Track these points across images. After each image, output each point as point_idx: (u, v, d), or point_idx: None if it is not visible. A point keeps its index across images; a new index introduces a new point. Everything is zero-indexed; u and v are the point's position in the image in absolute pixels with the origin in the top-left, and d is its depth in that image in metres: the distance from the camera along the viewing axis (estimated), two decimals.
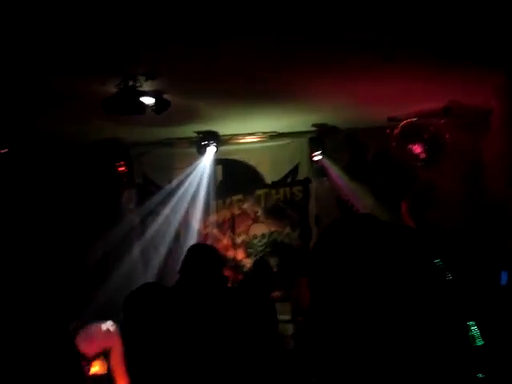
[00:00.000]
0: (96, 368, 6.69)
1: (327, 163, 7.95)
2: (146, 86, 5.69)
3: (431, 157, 6.91)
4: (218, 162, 8.34)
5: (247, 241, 8.20)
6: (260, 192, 8.33)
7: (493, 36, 5.02)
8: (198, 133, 7.92)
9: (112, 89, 5.64)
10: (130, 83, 5.54)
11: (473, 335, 5.70)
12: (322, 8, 4.44)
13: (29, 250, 7.48)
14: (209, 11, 4.38)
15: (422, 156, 6.91)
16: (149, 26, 4.59)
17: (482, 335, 5.55)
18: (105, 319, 5.67)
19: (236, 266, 8.06)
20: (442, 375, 3.06)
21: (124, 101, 5.48)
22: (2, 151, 7.74)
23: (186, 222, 8.40)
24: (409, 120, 7.00)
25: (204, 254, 4.03)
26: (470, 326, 5.68)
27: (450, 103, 6.74)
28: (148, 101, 5.73)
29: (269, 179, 8.31)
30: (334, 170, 7.92)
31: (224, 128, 7.85)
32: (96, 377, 6.56)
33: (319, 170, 8.07)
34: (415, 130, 6.97)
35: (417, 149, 6.93)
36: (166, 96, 6.01)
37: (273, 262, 8.08)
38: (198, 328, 3.65)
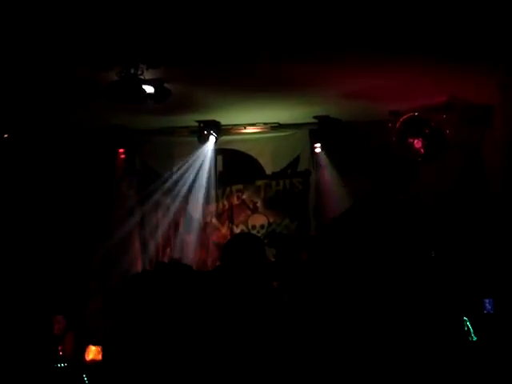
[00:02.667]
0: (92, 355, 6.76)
1: (325, 156, 7.95)
2: (148, 75, 5.69)
3: (431, 152, 6.90)
4: (219, 151, 8.33)
5: (246, 231, 8.21)
6: (260, 183, 8.33)
7: (495, 33, 5.02)
8: (199, 122, 7.91)
9: (113, 76, 5.65)
10: (132, 71, 5.54)
11: (467, 330, 5.74)
12: (327, 4, 4.45)
13: (25, 237, 7.52)
14: (210, 4, 4.38)
15: (422, 151, 6.90)
16: (151, 16, 4.59)
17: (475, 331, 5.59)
18: None
19: None
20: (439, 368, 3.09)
21: (125, 88, 5.48)
22: (4, 136, 7.76)
23: (185, 210, 8.41)
24: (410, 114, 6.98)
25: (252, 247, 3.85)
26: (465, 321, 5.73)
27: (452, 98, 6.74)
28: (149, 89, 5.72)
29: (269, 170, 8.31)
30: (332, 163, 7.93)
31: (225, 118, 7.84)
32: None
33: (319, 161, 8.06)
34: (416, 124, 6.96)
35: (417, 143, 6.92)
36: (167, 85, 6.01)
37: (270, 252, 8.10)
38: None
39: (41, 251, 7.61)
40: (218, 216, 8.37)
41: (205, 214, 8.37)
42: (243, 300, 3.57)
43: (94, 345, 6.64)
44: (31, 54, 5.34)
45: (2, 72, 5.77)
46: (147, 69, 5.57)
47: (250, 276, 3.63)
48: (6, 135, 7.76)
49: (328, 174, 7.99)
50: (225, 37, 5.08)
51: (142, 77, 5.59)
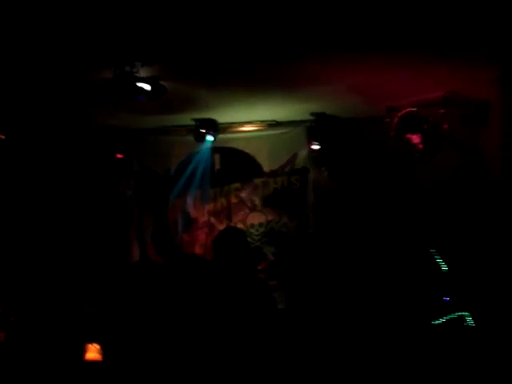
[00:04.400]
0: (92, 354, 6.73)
1: (324, 152, 7.93)
2: (143, 72, 5.66)
3: (429, 147, 6.88)
4: (216, 150, 8.31)
5: (244, 229, 8.18)
6: (257, 181, 8.31)
7: (491, 28, 5.00)
8: (196, 120, 7.88)
9: (108, 74, 5.62)
10: (127, 69, 5.51)
11: (468, 325, 5.72)
12: (323, 3, 4.44)
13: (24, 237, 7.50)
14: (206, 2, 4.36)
15: (420, 146, 6.88)
16: (146, 13, 4.56)
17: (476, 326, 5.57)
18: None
19: None
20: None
21: (119, 86, 5.45)
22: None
23: (183, 209, 8.39)
24: (408, 110, 6.96)
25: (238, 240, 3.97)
26: (465, 317, 5.71)
27: (449, 93, 6.71)
28: (144, 87, 5.70)
29: (266, 168, 8.29)
30: (329, 160, 7.91)
31: (222, 116, 7.81)
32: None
33: (317, 159, 8.04)
34: (414, 119, 6.93)
35: (415, 139, 6.90)
36: (163, 82, 5.98)
37: (269, 251, 8.09)
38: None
39: (37, 251, 7.60)
40: (216, 215, 8.35)
41: (202, 212, 8.35)
42: (234, 293, 3.62)
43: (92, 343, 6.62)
44: (25, 52, 5.30)
45: None
46: (142, 66, 5.54)
47: (238, 267, 3.71)
48: (2, 136, 7.75)
49: (325, 171, 7.97)
50: (221, 35, 5.06)
51: (137, 74, 5.56)
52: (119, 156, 8.30)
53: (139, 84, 5.58)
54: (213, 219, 8.34)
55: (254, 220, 8.28)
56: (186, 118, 7.85)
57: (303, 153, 8.13)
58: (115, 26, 4.80)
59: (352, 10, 4.63)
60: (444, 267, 5.74)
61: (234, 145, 8.34)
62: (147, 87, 5.72)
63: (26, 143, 7.87)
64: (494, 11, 4.67)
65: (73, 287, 7.19)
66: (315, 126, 7.85)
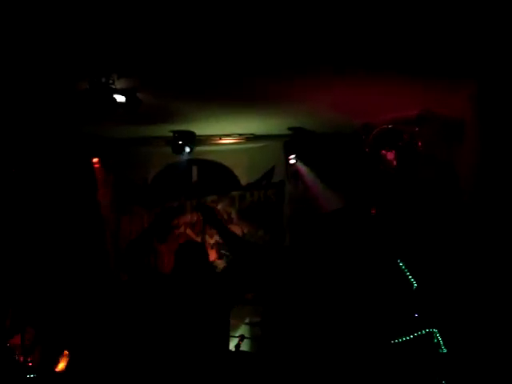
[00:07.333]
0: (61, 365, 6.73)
1: (301, 167, 7.96)
2: (119, 84, 5.68)
3: (403, 164, 6.93)
4: (194, 162, 8.34)
5: (220, 242, 8.19)
6: (234, 194, 8.33)
7: (465, 47, 5.08)
8: (175, 132, 7.90)
9: (85, 84, 5.63)
10: (103, 80, 5.52)
11: (437, 343, 5.76)
12: (301, 21, 4.49)
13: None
14: (188, 15, 4.38)
15: (395, 163, 6.92)
16: (124, 25, 4.58)
17: (445, 343, 5.60)
18: None
19: None
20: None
21: (95, 97, 5.46)
22: None
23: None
24: (383, 127, 7.01)
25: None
26: (434, 334, 5.74)
27: (423, 111, 6.79)
28: (120, 98, 5.71)
29: (244, 181, 8.32)
30: (308, 174, 7.94)
31: (200, 128, 7.84)
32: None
33: (294, 173, 8.07)
34: (389, 136, 6.97)
35: (390, 156, 6.95)
36: (140, 95, 6.00)
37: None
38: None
39: (13, 260, 7.55)
40: (192, 226, 8.34)
41: (179, 224, 8.35)
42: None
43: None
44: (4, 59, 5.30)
45: None
46: (119, 78, 5.55)
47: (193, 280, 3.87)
48: None
49: (302, 185, 8.00)
50: (199, 49, 5.09)
51: (113, 86, 5.58)
52: (97, 166, 8.27)
53: (115, 95, 5.58)
54: (189, 231, 8.34)
55: None
56: (165, 130, 7.86)
57: (280, 167, 8.17)
58: (93, 36, 4.81)
59: (331, 30, 4.69)
60: (414, 283, 5.78)
61: (212, 157, 8.36)
62: (122, 99, 5.72)
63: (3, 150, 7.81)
64: (468, 30, 4.75)
65: (43, 297, 7.16)
66: (292, 141, 7.89)
